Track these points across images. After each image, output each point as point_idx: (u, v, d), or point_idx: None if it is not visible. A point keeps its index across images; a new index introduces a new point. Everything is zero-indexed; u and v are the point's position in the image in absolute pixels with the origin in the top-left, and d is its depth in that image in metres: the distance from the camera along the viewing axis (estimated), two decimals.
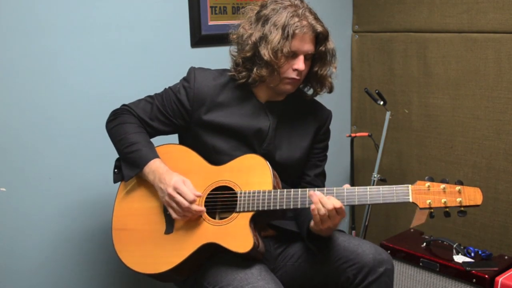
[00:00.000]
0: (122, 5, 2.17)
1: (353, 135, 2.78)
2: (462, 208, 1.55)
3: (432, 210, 1.57)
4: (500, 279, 2.14)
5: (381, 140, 2.68)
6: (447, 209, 1.56)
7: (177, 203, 1.64)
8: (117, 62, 2.19)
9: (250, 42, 1.73)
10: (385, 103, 2.66)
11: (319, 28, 1.72)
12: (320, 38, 1.74)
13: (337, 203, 1.59)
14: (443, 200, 1.55)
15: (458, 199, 1.54)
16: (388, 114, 2.66)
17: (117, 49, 2.19)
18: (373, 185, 2.68)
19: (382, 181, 2.67)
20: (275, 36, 1.68)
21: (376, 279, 1.71)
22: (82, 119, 2.12)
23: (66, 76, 2.07)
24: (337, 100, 2.96)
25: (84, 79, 2.11)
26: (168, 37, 2.33)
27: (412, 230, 2.64)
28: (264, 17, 1.73)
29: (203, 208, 1.68)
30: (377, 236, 2.99)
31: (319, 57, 1.78)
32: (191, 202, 1.64)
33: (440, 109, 2.72)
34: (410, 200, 1.57)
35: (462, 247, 2.36)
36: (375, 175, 2.67)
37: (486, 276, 2.17)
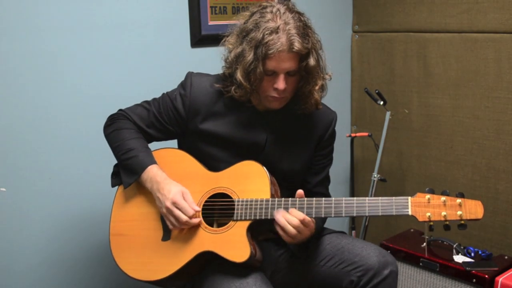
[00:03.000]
0: (122, 5, 2.17)
1: (353, 135, 2.78)
2: (463, 222, 1.53)
3: (431, 223, 1.55)
4: (500, 279, 2.14)
5: (381, 140, 2.68)
6: (447, 223, 1.54)
7: (175, 217, 1.63)
8: (118, 62, 2.19)
9: (230, 59, 1.67)
10: (385, 103, 2.66)
11: (295, 47, 1.57)
12: (302, 55, 1.61)
13: (300, 215, 1.57)
14: (443, 214, 1.53)
15: (459, 213, 1.52)
16: (388, 114, 2.66)
17: (117, 49, 2.19)
18: (373, 185, 2.68)
19: (382, 181, 2.67)
20: (248, 56, 1.59)
21: (381, 282, 1.70)
22: (82, 119, 2.12)
23: (66, 76, 2.07)
24: (337, 100, 2.96)
25: (84, 79, 2.11)
26: (168, 37, 2.33)
27: (412, 230, 2.65)
28: (244, 32, 1.63)
29: (199, 220, 1.67)
30: (377, 236, 2.98)
31: (301, 73, 1.66)
32: (190, 217, 1.63)
33: (440, 109, 2.72)
34: (409, 213, 1.54)
35: (462, 247, 2.36)
36: (375, 175, 2.67)
37: (486, 276, 2.17)
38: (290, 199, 1.63)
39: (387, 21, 2.87)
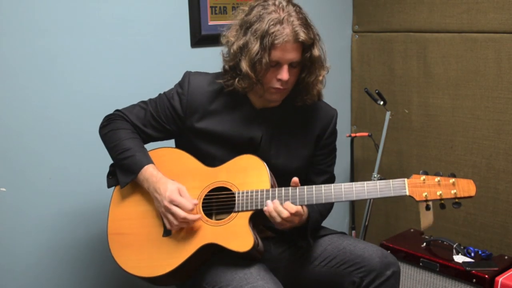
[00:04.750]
0: (122, 5, 2.17)
1: (353, 135, 2.78)
2: (457, 200, 1.59)
3: (428, 203, 1.61)
4: (500, 279, 2.14)
5: (381, 140, 2.68)
6: (443, 201, 1.60)
7: (173, 214, 1.63)
8: (117, 62, 2.19)
9: (232, 51, 1.68)
10: (385, 103, 2.66)
11: (301, 37, 1.60)
12: (305, 45, 1.65)
13: (292, 209, 1.60)
14: (438, 193, 1.59)
15: (453, 191, 1.58)
16: (388, 114, 2.66)
17: (117, 49, 2.19)
18: None
19: None
20: (254, 47, 1.61)
21: (384, 282, 1.71)
22: (82, 119, 2.12)
23: (66, 76, 2.07)
24: (337, 100, 2.95)
25: (84, 79, 2.11)
26: (168, 37, 2.33)
27: (412, 230, 2.65)
28: (247, 24, 1.65)
29: (198, 216, 1.66)
30: (377, 236, 2.99)
31: (305, 64, 1.69)
32: (189, 211, 1.63)
33: (440, 109, 2.72)
34: (407, 193, 1.60)
35: (462, 247, 2.36)
36: (375, 175, 2.67)
37: (486, 276, 2.17)
38: (290, 188, 1.65)
39: (387, 21, 2.87)
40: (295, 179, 1.64)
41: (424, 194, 1.59)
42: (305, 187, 1.64)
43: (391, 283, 1.72)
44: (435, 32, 2.68)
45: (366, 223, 2.72)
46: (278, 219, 1.61)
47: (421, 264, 2.38)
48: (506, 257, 2.34)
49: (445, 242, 2.43)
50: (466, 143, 2.65)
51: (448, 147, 2.73)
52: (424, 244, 2.45)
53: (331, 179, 1.92)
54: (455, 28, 2.60)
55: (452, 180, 1.59)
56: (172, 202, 1.63)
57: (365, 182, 1.62)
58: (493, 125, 2.54)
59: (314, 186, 1.64)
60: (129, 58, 2.22)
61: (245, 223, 1.64)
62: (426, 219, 2.34)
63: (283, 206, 1.61)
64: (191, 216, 1.63)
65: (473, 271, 2.21)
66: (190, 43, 2.39)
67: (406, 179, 1.62)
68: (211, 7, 2.42)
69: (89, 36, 2.11)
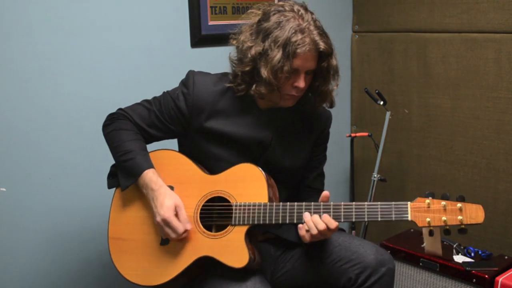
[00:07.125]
0: (121, 5, 2.17)
1: (353, 135, 2.78)
2: (463, 226, 1.51)
3: (431, 229, 1.55)
4: (500, 279, 2.14)
5: (381, 140, 2.68)
6: (448, 227, 1.53)
7: (164, 234, 1.64)
8: (117, 62, 2.19)
9: (249, 55, 1.65)
10: (385, 103, 2.66)
11: (321, 47, 1.62)
12: (323, 54, 1.65)
13: (332, 224, 1.57)
14: (443, 219, 1.52)
15: (459, 218, 1.50)
16: (388, 114, 2.66)
17: (117, 49, 2.19)
18: (373, 185, 2.67)
19: (382, 181, 2.67)
20: (276, 55, 1.60)
21: (379, 279, 1.71)
22: (82, 119, 2.12)
23: (67, 77, 2.07)
24: (337, 100, 2.94)
25: (84, 80, 2.11)
26: (168, 37, 2.33)
27: (412, 230, 2.64)
28: (265, 31, 1.63)
29: (188, 230, 1.65)
30: (377, 236, 2.98)
31: (321, 73, 1.70)
32: (179, 235, 1.63)
33: (440, 109, 2.72)
34: (409, 218, 1.54)
35: (462, 247, 2.36)
36: (375, 175, 2.67)
37: (486, 276, 2.17)
38: (288, 203, 1.62)
39: (387, 21, 2.87)
40: (327, 194, 1.62)
41: (427, 220, 1.52)
42: (303, 204, 1.62)
43: (385, 280, 1.71)
44: (435, 32, 2.68)
45: (366, 223, 2.71)
46: (314, 231, 1.57)
47: (421, 264, 2.37)
48: (506, 257, 2.33)
49: (445, 242, 2.43)
50: (466, 143, 2.65)
51: (448, 147, 2.73)
52: (424, 244, 2.45)
53: (322, 175, 1.96)
54: (455, 28, 2.60)
55: (459, 205, 1.51)
56: (165, 223, 1.62)
57: (366, 203, 1.58)
58: (493, 125, 2.54)
59: (312, 203, 1.61)
60: (129, 58, 2.22)
61: (241, 238, 1.62)
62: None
63: (322, 219, 1.58)
64: (182, 235, 1.64)
65: (473, 271, 2.21)
66: (190, 43, 2.39)
67: (409, 203, 1.55)
68: (211, 7, 2.42)
69: (90, 36, 2.11)
